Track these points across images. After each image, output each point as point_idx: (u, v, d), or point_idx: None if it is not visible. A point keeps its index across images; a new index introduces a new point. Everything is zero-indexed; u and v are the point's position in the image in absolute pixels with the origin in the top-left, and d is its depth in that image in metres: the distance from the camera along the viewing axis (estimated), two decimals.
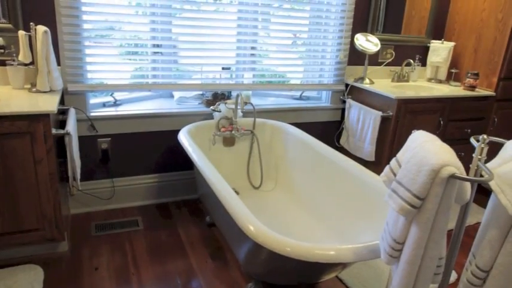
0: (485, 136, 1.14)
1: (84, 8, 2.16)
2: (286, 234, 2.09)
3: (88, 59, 2.26)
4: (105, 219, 2.43)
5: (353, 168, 2.01)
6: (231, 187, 2.54)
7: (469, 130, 2.87)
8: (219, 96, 2.65)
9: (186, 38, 2.45)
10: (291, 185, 2.52)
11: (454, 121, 2.78)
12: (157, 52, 2.43)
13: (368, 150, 2.62)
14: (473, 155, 1.16)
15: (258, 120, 2.59)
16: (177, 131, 2.46)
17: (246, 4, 2.52)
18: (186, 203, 2.68)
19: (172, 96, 2.79)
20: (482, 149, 1.15)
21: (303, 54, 2.81)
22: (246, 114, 2.66)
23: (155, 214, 2.52)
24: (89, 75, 2.29)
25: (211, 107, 2.46)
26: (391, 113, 2.51)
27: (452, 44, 3.03)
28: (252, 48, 2.65)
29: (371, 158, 2.61)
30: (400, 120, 2.53)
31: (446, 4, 3.15)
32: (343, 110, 2.94)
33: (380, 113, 2.51)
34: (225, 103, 2.45)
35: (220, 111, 2.45)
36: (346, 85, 2.90)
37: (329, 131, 3.03)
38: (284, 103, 2.89)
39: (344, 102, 2.91)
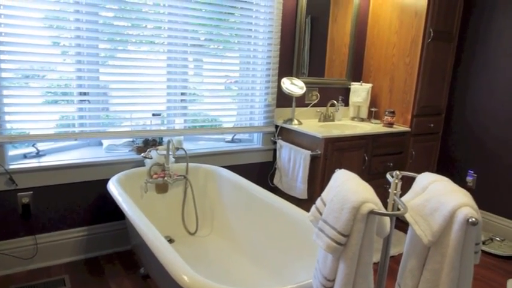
0: (397, 172, 1.24)
1: (2, 57, 2.07)
2: (224, 280, 2.06)
3: (6, 109, 2.15)
4: (26, 281, 2.22)
5: (286, 208, 2.05)
6: (166, 235, 2.49)
7: (391, 164, 3.07)
8: (150, 143, 2.62)
9: (115, 85, 2.43)
10: (227, 229, 2.50)
11: (377, 156, 2.97)
12: (84, 100, 2.37)
13: (300, 188, 2.70)
14: (389, 190, 1.25)
15: (190, 165, 2.59)
16: (107, 180, 2.37)
17: (175, 52, 2.56)
18: (118, 255, 2.54)
19: (101, 144, 2.70)
20: (397, 184, 1.24)
21: (234, 98, 2.89)
22: (178, 159, 2.64)
23: (84, 270, 2.36)
24: (8, 126, 2.17)
25: (142, 154, 2.42)
26: (319, 152, 2.63)
27: (370, 85, 3.29)
28: (183, 94, 2.68)
29: (304, 196, 2.69)
30: (328, 158, 2.66)
31: (361, 50, 3.45)
32: (275, 150, 3.03)
33: (309, 152, 2.62)
34: (157, 149, 2.42)
35: (151, 158, 2.41)
36: (276, 126, 3.01)
37: (262, 171, 3.09)
38: (217, 146, 2.92)
39: (275, 143, 3.01)
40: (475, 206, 1.14)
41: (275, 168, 3.01)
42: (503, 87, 3.15)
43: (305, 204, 2.72)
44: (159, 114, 2.63)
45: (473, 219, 1.08)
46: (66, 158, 2.41)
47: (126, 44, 2.40)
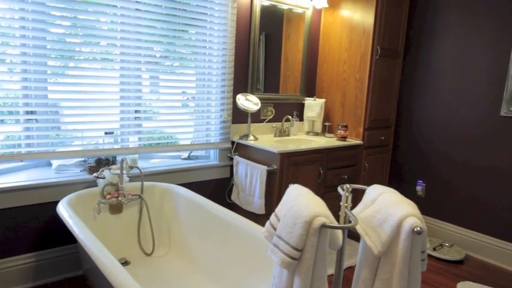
0: (348, 185, 1.28)
1: None
2: None
3: None
4: None
5: (243, 224, 2.05)
6: (122, 257, 2.41)
7: (345, 176, 3.16)
8: (103, 162, 2.54)
9: (65, 103, 2.35)
10: (185, 248, 2.46)
11: (332, 169, 3.05)
12: (32, 119, 2.27)
13: (258, 204, 2.71)
14: (341, 203, 1.29)
15: (146, 183, 2.53)
16: (57, 203, 2.27)
17: (128, 69, 2.53)
18: (69, 282, 2.42)
19: (50, 164, 2.59)
20: (347, 197, 1.28)
21: (191, 115, 2.88)
22: (133, 178, 2.58)
23: None
24: None
25: (95, 174, 2.34)
26: (275, 167, 2.66)
27: (323, 100, 3.39)
28: (137, 111, 2.63)
29: (261, 211, 2.70)
30: (285, 173, 2.69)
31: (314, 66, 3.56)
32: (232, 166, 3.04)
33: (265, 167, 2.65)
34: (110, 169, 2.36)
35: (104, 178, 2.34)
36: (232, 142, 3.02)
37: (220, 188, 3.08)
38: (172, 164, 2.88)
39: (232, 159, 3.02)
40: (420, 216, 1.19)
41: (232, 184, 3.01)
42: (442, 102, 3.35)
43: (263, 219, 2.73)
44: (112, 133, 2.57)
45: (418, 228, 1.14)
46: (12, 180, 2.29)
47: (78, 60, 2.34)
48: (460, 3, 3.21)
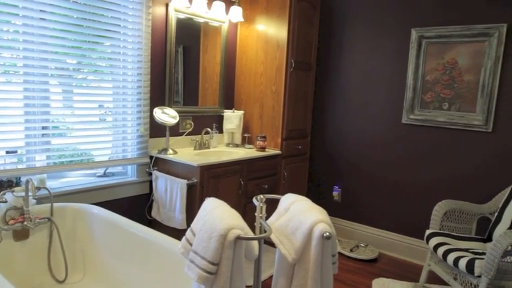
0: (261, 196, 1.31)
1: None
2: None
3: None
4: None
5: (162, 241, 2.00)
6: (30, 287, 2.21)
7: (266, 186, 3.23)
8: (4, 184, 2.32)
9: None
10: (102, 272, 2.33)
11: (252, 179, 3.10)
12: None
13: (179, 219, 2.66)
14: (255, 214, 1.32)
15: (56, 205, 2.36)
16: None
17: (32, 82, 2.35)
18: None
19: None
20: (262, 207, 1.31)
21: (107, 130, 2.75)
22: (41, 200, 2.39)
23: None
24: None
25: None
26: (195, 180, 2.64)
27: (241, 112, 3.45)
28: (44, 128, 2.46)
29: (183, 226, 2.66)
30: (205, 186, 2.68)
31: (232, 78, 3.61)
32: (151, 182, 2.95)
33: (185, 181, 2.61)
34: (13, 191, 2.16)
35: (6, 202, 2.13)
36: (151, 157, 2.94)
37: (139, 205, 2.97)
38: (86, 182, 2.72)
39: (150, 174, 2.93)
40: (329, 221, 1.26)
41: (152, 200, 2.92)
42: (351, 113, 3.60)
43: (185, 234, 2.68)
44: (15, 151, 2.36)
45: (327, 233, 1.20)
46: None
47: None
48: (363, 20, 3.49)
